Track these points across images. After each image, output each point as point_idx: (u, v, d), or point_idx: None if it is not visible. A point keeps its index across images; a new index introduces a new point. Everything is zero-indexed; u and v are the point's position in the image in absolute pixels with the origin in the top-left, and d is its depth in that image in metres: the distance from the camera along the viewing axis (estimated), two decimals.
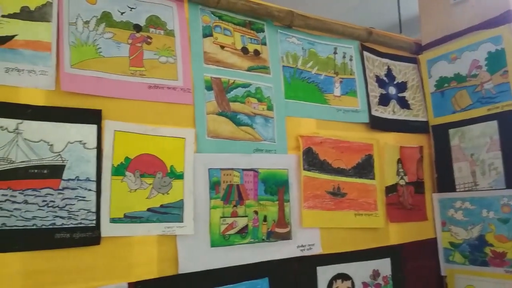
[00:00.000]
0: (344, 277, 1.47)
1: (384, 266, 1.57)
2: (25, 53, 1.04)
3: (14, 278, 0.96)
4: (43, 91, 1.05)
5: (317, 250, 1.42)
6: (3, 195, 0.97)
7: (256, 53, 1.43)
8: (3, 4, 1.04)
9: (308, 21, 1.55)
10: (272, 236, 1.34)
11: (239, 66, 1.39)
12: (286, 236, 1.36)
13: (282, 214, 1.37)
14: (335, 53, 1.64)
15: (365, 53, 1.71)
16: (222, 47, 1.37)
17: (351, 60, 1.66)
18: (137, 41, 1.21)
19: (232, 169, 1.30)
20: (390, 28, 3.24)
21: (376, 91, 1.69)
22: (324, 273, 1.43)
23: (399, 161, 1.70)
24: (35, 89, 1.04)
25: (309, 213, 1.42)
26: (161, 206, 1.17)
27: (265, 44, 1.47)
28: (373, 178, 1.60)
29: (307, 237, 1.41)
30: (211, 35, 1.35)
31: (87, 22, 1.14)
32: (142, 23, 1.23)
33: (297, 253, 1.38)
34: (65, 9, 1.11)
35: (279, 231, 1.35)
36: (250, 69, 1.41)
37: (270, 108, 1.41)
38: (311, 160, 1.45)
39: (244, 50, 1.41)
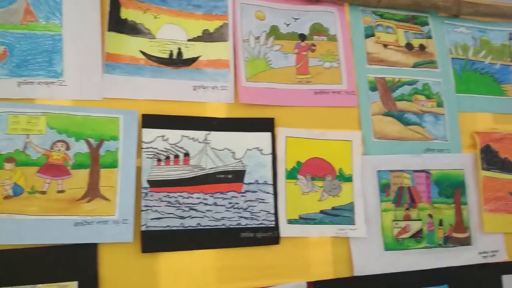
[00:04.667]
0: None
1: None
2: (208, 72, 1.17)
3: (209, 272, 1.08)
4: (224, 104, 1.17)
5: (502, 257, 1.29)
6: (197, 198, 1.10)
7: (422, 47, 1.37)
8: (188, 30, 1.18)
9: (477, 8, 1.42)
10: (449, 241, 1.25)
11: (404, 63, 1.34)
12: (465, 242, 1.26)
13: (459, 218, 1.27)
14: (510, 39, 1.47)
15: None
16: (385, 45, 1.34)
17: None
18: (302, 50, 1.26)
19: (402, 170, 1.26)
20: None
21: None
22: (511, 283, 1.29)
23: None
24: (218, 103, 1.16)
25: (491, 217, 1.29)
26: (333, 208, 1.19)
27: (430, 37, 1.39)
28: None
29: (489, 243, 1.28)
30: (373, 35, 1.34)
31: (257, 38, 1.23)
32: (306, 32, 1.28)
33: (479, 260, 1.26)
34: (238, 28, 1.22)
35: (457, 236, 1.26)
36: (416, 65, 1.35)
37: (440, 104, 1.33)
38: (490, 158, 1.32)
39: (409, 46, 1.36)
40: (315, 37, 1.28)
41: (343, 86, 1.27)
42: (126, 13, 1.13)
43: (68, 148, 1.02)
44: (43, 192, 0.99)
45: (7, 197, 0.97)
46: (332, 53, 1.29)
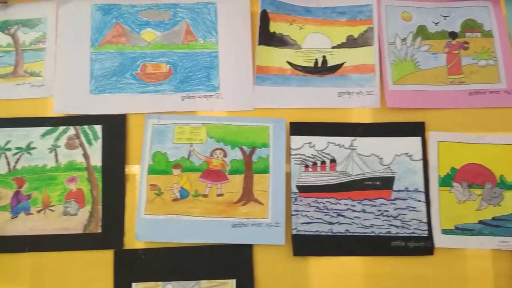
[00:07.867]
0: None
1: None
2: (352, 77, 1.17)
3: (358, 279, 1.07)
4: (370, 109, 1.16)
5: None
6: (345, 204, 1.10)
7: None
8: (332, 37, 1.20)
9: None
10: None
11: None
12: None
13: None
14: None
15: None
16: None
17: None
18: (454, 49, 1.19)
19: None
20: None
21: None
22: None
23: None
24: (363, 108, 1.16)
25: None
26: (493, 218, 1.09)
27: None
28: None
29: None
30: None
31: (404, 39, 1.19)
32: (457, 29, 1.20)
33: None
34: (384, 31, 1.19)
35: None
36: None
37: None
38: None
39: None
40: (467, 34, 1.20)
41: (501, 85, 1.16)
42: (274, 27, 1.18)
43: (225, 155, 1.11)
44: (205, 196, 1.09)
45: (175, 200, 1.09)
46: (488, 50, 1.19)
